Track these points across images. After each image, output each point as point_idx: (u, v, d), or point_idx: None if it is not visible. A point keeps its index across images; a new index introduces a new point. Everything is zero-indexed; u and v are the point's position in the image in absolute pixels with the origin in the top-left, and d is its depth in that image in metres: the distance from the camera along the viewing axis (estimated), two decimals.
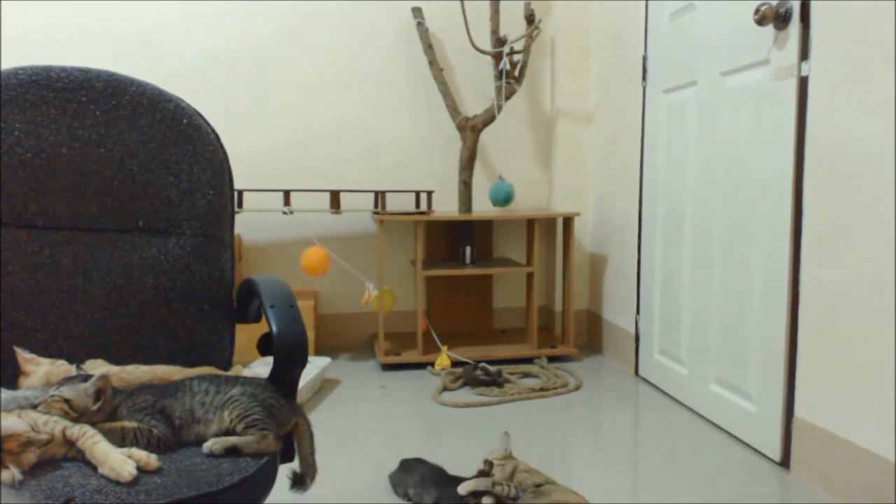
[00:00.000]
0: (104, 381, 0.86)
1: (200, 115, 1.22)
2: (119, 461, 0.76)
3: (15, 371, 1.00)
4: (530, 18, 2.62)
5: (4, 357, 1.03)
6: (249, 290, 1.11)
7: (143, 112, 1.18)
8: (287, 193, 2.51)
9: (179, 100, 1.22)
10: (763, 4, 1.60)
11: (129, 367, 1.01)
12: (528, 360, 2.63)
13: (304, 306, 2.61)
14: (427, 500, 1.42)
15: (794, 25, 1.58)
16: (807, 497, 1.50)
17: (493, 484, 1.31)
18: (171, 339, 1.14)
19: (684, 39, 2.11)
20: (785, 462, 1.66)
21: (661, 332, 2.30)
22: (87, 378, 0.86)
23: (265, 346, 1.00)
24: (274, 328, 0.94)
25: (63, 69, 1.15)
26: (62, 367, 0.99)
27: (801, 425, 1.59)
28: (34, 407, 0.84)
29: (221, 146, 1.23)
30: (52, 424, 0.80)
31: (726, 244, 1.89)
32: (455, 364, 2.53)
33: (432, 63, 2.75)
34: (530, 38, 2.62)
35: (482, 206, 3.01)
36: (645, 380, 2.43)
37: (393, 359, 2.53)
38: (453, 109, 2.72)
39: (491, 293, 3.04)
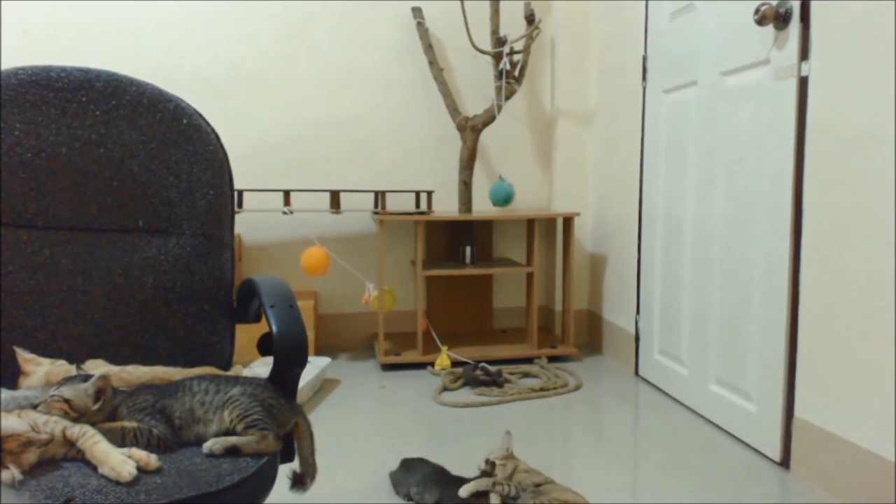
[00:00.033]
0: (104, 381, 0.86)
1: (200, 115, 1.23)
2: (119, 461, 0.76)
3: (15, 371, 1.00)
4: (530, 18, 2.62)
5: (4, 357, 1.03)
6: (249, 289, 1.11)
7: (143, 112, 1.19)
8: (287, 193, 2.51)
9: (179, 100, 1.22)
10: (763, 4, 1.61)
11: (129, 368, 1.02)
12: (528, 360, 2.63)
13: (304, 306, 2.61)
14: (428, 500, 1.41)
15: (794, 25, 1.58)
16: (807, 497, 1.50)
17: (494, 484, 1.31)
18: (171, 339, 1.14)
19: (684, 39, 2.11)
20: (785, 462, 1.66)
21: (661, 331, 2.30)
22: (87, 378, 0.86)
23: (265, 346, 1.00)
24: (274, 328, 0.94)
25: (63, 69, 1.15)
26: (62, 367, 0.99)
27: (801, 425, 1.59)
28: (34, 407, 0.84)
29: (221, 146, 1.23)
30: (52, 424, 0.80)
31: (726, 244, 1.89)
32: (455, 364, 2.53)
33: (432, 63, 2.75)
34: (530, 38, 2.62)
35: (482, 206, 3.01)
36: (645, 380, 2.43)
37: (393, 359, 2.53)
38: (453, 109, 2.72)
39: (491, 293, 3.04)
